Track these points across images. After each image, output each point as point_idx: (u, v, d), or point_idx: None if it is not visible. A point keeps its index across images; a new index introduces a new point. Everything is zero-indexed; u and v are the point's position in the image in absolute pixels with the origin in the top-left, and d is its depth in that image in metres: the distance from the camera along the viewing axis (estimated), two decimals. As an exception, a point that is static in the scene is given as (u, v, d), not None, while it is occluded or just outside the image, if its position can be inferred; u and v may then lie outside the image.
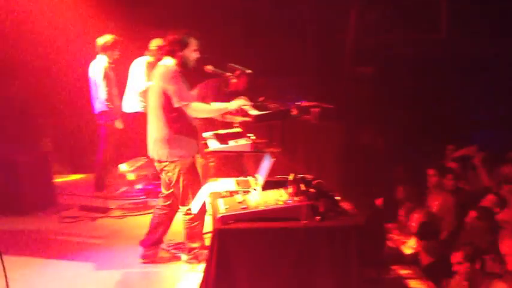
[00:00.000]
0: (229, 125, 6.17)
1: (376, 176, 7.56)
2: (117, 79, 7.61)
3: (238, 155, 5.79)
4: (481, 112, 8.86)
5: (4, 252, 5.64)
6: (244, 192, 4.41)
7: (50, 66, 8.64)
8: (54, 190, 7.46)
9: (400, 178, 7.23)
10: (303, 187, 4.16)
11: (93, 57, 7.45)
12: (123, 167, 7.43)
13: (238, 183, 4.72)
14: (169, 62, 5.13)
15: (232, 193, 4.43)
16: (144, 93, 7.11)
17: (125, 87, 7.83)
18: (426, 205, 6.49)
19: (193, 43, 5.11)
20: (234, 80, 6.55)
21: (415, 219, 5.94)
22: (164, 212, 5.44)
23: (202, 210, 5.09)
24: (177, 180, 5.15)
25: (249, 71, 6.18)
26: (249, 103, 5.36)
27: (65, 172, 8.13)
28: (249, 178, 4.83)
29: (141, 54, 7.78)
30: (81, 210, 7.09)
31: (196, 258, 5.31)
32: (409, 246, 5.93)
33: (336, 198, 4.62)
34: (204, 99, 5.93)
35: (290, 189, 4.17)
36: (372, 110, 8.89)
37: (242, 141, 5.37)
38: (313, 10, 9.35)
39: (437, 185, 6.57)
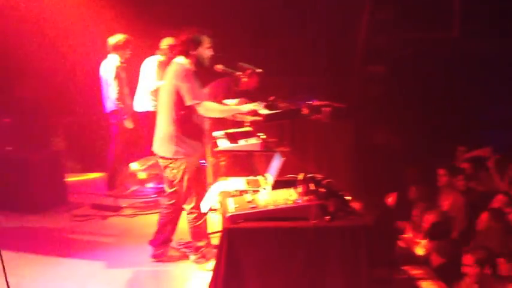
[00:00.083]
0: (240, 124, 6.18)
1: (388, 175, 7.53)
2: (129, 78, 7.64)
3: (248, 154, 5.78)
4: (493, 112, 8.79)
5: (15, 250, 5.77)
6: (254, 191, 4.40)
7: (62, 66, 8.67)
8: (65, 189, 7.50)
9: (413, 178, 7.20)
10: (312, 186, 4.14)
11: (105, 56, 7.48)
12: (134, 166, 7.46)
13: (248, 183, 4.71)
14: (182, 60, 5.14)
15: (241, 192, 4.42)
16: (155, 93, 7.12)
17: (136, 87, 7.86)
18: (438, 205, 6.46)
19: (206, 41, 5.11)
20: (245, 79, 6.55)
21: (427, 220, 5.91)
22: (169, 211, 5.46)
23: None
24: (182, 178, 5.15)
25: (260, 70, 6.17)
26: (260, 106, 5.36)
27: (77, 171, 8.16)
28: (259, 177, 4.82)
29: (153, 54, 7.80)
30: (93, 209, 7.12)
31: (204, 257, 5.33)
32: (422, 246, 5.91)
33: (346, 198, 4.62)
34: (214, 98, 5.94)
35: (300, 189, 4.16)
36: (383, 109, 8.86)
37: (252, 141, 5.38)
38: (324, 9, 9.32)
39: (448, 185, 6.54)
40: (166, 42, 7.55)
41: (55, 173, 7.37)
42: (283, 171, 4.57)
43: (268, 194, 4.24)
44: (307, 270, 3.89)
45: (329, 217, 3.95)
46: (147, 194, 7.48)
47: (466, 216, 6.09)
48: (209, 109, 5.12)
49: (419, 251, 5.85)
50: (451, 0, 9.34)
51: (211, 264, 4.56)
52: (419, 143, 8.48)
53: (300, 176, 4.24)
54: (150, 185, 7.48)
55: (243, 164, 6.31)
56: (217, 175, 6.34)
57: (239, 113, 5.55)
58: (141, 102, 7.75)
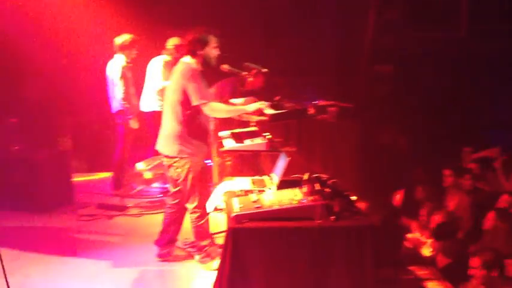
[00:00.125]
0: (246, 124, 6.17)
1: (394, 176, 7.51)
2: (136, 78, 7.65)
3: (254, 154, 5.79)
4: (501, 112, 8.75)
5: (22, 249, 5.79)
6: (259, 191, 4.40)
7: (69, 66, 8.71)
8: (71, 188, 7.52)
9: (420, 178, 7.18)
10: (317, 186, 4.14)
11: (111, 56, 7.49)
12: (140, 166, 7.46)
13: (253, 182, 4.71)
14: (189, 60, 5.14)
15: (247, 192, 4.42)
16: (161, 92, 7.13)
17: (142, 87, 7.87)
18: (444, 205, 6.44)
19: (213, 41, 5.11)
20: (251, 79, 6.55)
21: (433, 220, 5.89)
22: (173, 210, 5.46)
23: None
24: (186, 177, 5.14)
25: (265, 70, 6.16)
26: (265, 105, 5.36)
27: (83, 170, 8.18)
28: (265, 177, 4.82)
29: (159, 54, 7.82)
30: (99, 209, 7.13)
31: (208, 256, 5.33)
32: (428, 246, 5.88)
33: (352, 197, 4.60)
34: (220, 98, 5.94)
35: (305, 189, 4.15)
36: (389, 109, 8.83)
37: (258, 141, 5.37)
38: (331, 9, 9.30)
39: (454, 185, 6.52)
40: (172, 42, 7.56)
41: (61, 172, 7.40)
42: (288, 171, 4.57)
43: (274, 194, 4.23)
44: (312, 270, 3.89)
45: (334, 217, 3.94)
46: (152, 193, 7.49)
47: (471, 217, 6.06)
48: (215, 109, 5.12)
49: (426, 251, 5.83)
50: (458, 0, 9.31)
51: (216, 263, 4.56)
52: (426, 143, 8.45)
53: (305, 176, 4.23)
54: (156, 184, 7.48)
55: (249, 164, 6.31)
56: (223, 175, 6.34)
57: (245, 113, 5.55)
58: (148, 102, 7.76)
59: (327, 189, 4.15)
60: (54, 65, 8.68)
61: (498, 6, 8.57)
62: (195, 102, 4.98)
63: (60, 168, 7.40)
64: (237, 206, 4.05)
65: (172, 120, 5.12)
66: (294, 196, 4.12)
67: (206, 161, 5.46)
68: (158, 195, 7.37)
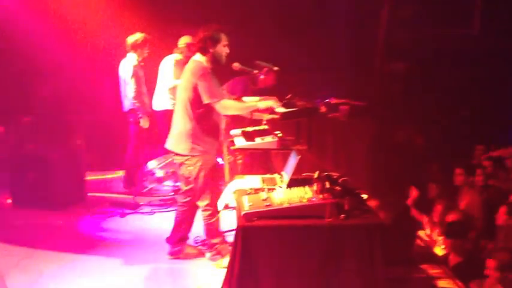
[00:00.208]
0: (258, 122, 6.17)
1: (407, 174, 7.47)
2: (148, 77, 7.68)
3: (265, 152, 5.79)
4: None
5: (35, 246, 5.85)
6: (269, 189, 4.39)
7: (82, 65, 8.75)
8: (84, 186, 7.57)
9: (434, 176, 7.15)
10: (328, 185, 4.13)
11: (124, 55, 7.53)
12: (152, 164, 7.50)
13: (263, 181, 4.70)
14: (200, 58, 5.16)
15: (257, 190, 4.41)
16: (173, 91, 7.16)
17: (155, 86, 7.91)
18: (457, 203, 6.42)
19: (223, 38, 5.12)
20: (262, 77, 6.55)
21: (446, 218, 5.86)
22: (184, 208, 5.47)
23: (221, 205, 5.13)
24: (197, 175, 5.16)
25: (276, 68, 6.16)
26: (279, 103, 5.36)
27: (96, 169, 8.22)
28: (275, 175, 4.82)
29: (171, 52, 7.84)
30: (111, 206, 7.17)
31: (219, 254, 5.34)
32: (440, 245, 5.86)
33: (362, 196, 4.59)
34: (231, 97, 5.94)
35: (315, 187, 4.14)
36: (403, 106, 8.80)
37: (268, 139, 5.38)
38: (345, 6, 9.28)
39: (465, 184, 6.49)
40: (184, 40, 7.59)
41: (74, 170, 7.44)
42: (299, 169, 4.56)
43: (284, 192, 4.23)
44: (322, 269, 3.88)
45: (344, 215, 3.94)
46: (164, 191, 7.52)
47: (483, 214, 6.02)
48: (227, 107, 5.13)
49: (438, 251, 5.80)
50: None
51: (227, 261, 4.57)
52: (440, 140, 8.41)
53: (316, 174, 4.22)
54: (168, 182, 7.50)
55: (260, 162, 6.31)
56: (234, 173, 6.35)
57: (256, 111, 5.55)
58: (160, 101, 7.79)
59: (337, 188, 4.14)
60: (68, 64, 8.73)
61: (511, 3, 8.49)
62: (206, 100, 4.99)
63: (73, 166, 7.43)
64: (247, 204, 4.05)
65: (184, 118, 5.14)
66: (304, 194, 4.11)
67: (217, 159, 5.48)
68: (170, 193, 7.40)
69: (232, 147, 5.58)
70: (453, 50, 9.00)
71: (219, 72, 5.26)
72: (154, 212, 7.00)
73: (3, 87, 8.75)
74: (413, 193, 6.51)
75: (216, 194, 5.20)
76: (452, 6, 9.19)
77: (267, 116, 5.90)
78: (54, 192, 7.10)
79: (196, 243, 5.80)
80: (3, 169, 7.51)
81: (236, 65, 5.70)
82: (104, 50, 8.50)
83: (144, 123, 7.42)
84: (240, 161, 6.65)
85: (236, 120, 6.23)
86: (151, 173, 7.50)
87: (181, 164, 5.22)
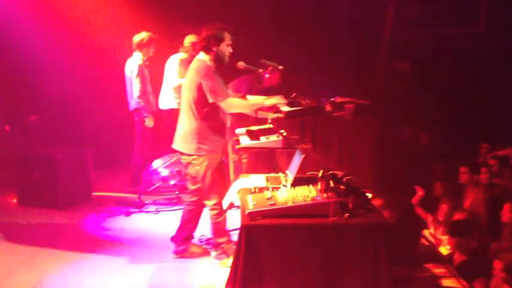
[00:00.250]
0: (263, 121, 6.17)
1: (413, 173, 7.46)
2: (154, 76, 7.70)
3: (269, 151, 5.79)
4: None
5: (41, 245, 5.87)
6: (274, 188, 4.40)
7: (88, 64, 8.79)
8: (90, 185, 7.59)
9: (439, 174, 7.13)
10: (332, 184, 4.13)
11: (130, 54, 7.55)
12: (158, 163, 7.51)
13: (268, 180, 4.71)
14: (204, 57, 5.16)
15: (261, 189, 4.41)
16: (178, 90, 7.17)
17: (161, 85, 7.92)
18: (462, 202, 6.41)
19: (227, 38, 5.13)
20: (267, 76, 6.55)
21: (450, 217, 5.86)
22: (191, 208, 5.48)
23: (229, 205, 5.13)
24: (204, 175, 5.17)
25: (281, 67, 6.16)
26: (284, 102, 5.35)
27: (102, 168, 8.24)
28: (280, 174, 4.82)
29: (177, 51, 7.86)
30: (116, 205, 7.19)
31: (225, 253, 5.35)
32: (445, 244, 5.85)
33: (367, 195, 4.59)
34: (236, 96, 5.95)
35: (319, 186, 4.14)
36: (407, 105, 8.77)
37: (273, 138, 5.37)
38: (349, 5, 9.26)
39: (470, 182, 6.47)
40: (189, 39, 7.60)
41: (80, 170, 7.46)
42: (304, 168, 4.56)
43: (288, 191, 4.23)
44: (326, 267, 3.88)
45: (348, 214, 3.93)
46: (169, 190, 7.52)
47: (487, 213, 6.01)
48: (233, 105, 5.14)
49: (443, 250, 5.79)
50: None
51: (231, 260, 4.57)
52: (445, 139, 8.39)
53: (320, 173, 4.22)
54: (173, 181, 7.51)
55: (265, 161, 6.32)
56: (239, 172, 6.36)
57: (261, 109, 5.55)
58: (165, 100, 7.81)
59: (341, 187, 4.14)
60: (74, 63, 8.76)
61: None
62: (211, 99, 5.00)
63: (79, 165, 7.45)
64: (251, 203, 4.06)
65: (189, 117, 5.15)
66: (308, 193, 4.11)
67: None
68: (175, 192, 7.41)
69: (237, 146, 5.58)
70: (459, 50, 8.97)
71: (224, 71, 5.27)
72: (159, 211, 7.01)
73: (10, 87, 8.81)
74: (419, 192, 6.50)
75: (223, 193, 5.21)
76: (457, 6, 9.16)
77: (271, 115, 5.90)
78: (59, 191, 7.12)
79: (201, 242, 5.82)
80: (9, 168, 7.56)
81: (241, 64, 5.71)
82: (110, 49, 8.52)
83: (149, 122, 7.44)
84: (245, 160, 6.67)
85: (241, 119, 6.23)
86: (156, 172, 7.50)
87: (188, 163, 5.23)
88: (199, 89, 5.04)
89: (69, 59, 8.74)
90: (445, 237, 5.83)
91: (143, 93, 7.35)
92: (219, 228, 5.34)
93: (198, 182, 5.26)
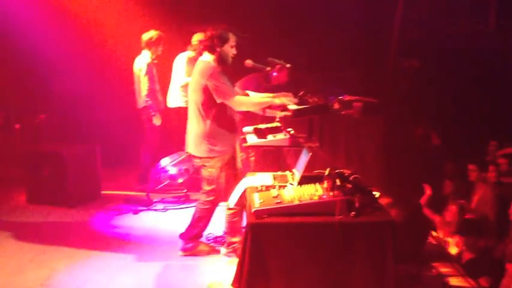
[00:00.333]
0: (270, 119, 6.17)
1: (422, 172, 7.44)
2: (162, 75, 7.72)
3: (277, 149, 5.78)
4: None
5: (49, 243, 5.91)
6: (280, 186, 4.39)
7: (97, 62, 8.82)
8: (99, 183, 7.63)
9: (450, 174, 7.11)
10: (338, 182, 4.12)
11: (139, 52, 7.57)
12: (166, 161, 7.53)
13: (275, 178, 4.70)
14: (208, 58, 5.17)
15: (268, 188, 4.41)
16: (185, 88, 7.19)
17: (169, 83, 7.94)
18: (471, 200, 6.38)
19: (232, 39, 5.13)
20: (275, 74, 6.54)
21: (456, 215, 5.84)
22: (206, 207, 5.48)
23: (243, 205, 5.11)
24: (219, 176, 5.19)
25: (289, 65, 6.15)
26: (293, 100, 5.35)
27: (110, 165, 8.27)
28: (287, 173, 4.81)
29: (185, 50, 7.87)
30: (125, 203, 7.23)
31: (234, 252, 5.35)
32: (453, 244, 5.83)
33: (374, 193, 4.58)
34: (244, 94, 5.94)
35: (326, 184, 4.14)
36: (417, 104, 8.73)
37: (280, 136, 5.36)
38: (358, 2, 9.23)
39: (478, 179, 6.45)
40: (196, 38, 7.61)
41: (89, 167, 7.50)
42: (311, 166, 4.55)
43: (294, 190, 4.22)
44: (332, 266, 3.87)
45: (354, 213, 3.92)
46: (177, 188, 7.54)
47: (495, 210, 5.98)
48: (241, 103, 5.15)
49: (452, 249, 5.77)
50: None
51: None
52: (455, 137, 8.34)
53: (327, 172, 4.21)
54: (181, 180, 7.53)
55: (273, 160, 6.30)
56: (246, 170, 6.35)
57: (269, 107, 5.55)
58: (173, 98, 7.83)
59: (348, 185, 4.13)
60: (83, 62, 8.80)
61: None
62: (219, 99, 5.01)
63: (88, 163, 7.50)
64: (258, 202, 4.05)
65: (198, 120, 5.16)
66: (314, 192, 4.11)
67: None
68: (183, 190, 7.43)
69: (244, 145, 5.59)
70: (468, 47, 8.92)
71: (231, 69, 5.27)
72: (167, 209, 7.04)
73: (20, 85, 8.85)
74: (427, 191, 6.49)
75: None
76: (467, 3, 9.10)
77: (279, 113, 5.90)
78: (68, 189, 7.16)
79: (208, 240, 5.83)
80: (19, 166, 7.60)
81: (249, 62, 5.71)
82: (119, 47, 8.55)
83: (157, 120, 7.46)
84: (252, 158, 6.66)
85: (249, 118, 6.23)
86: (165, 170, 7.52)
87: (201, 166, 5.26)
88: (205, 91, 5.04)
89: (78, 58, 8.78)
90: (452, 240, 5.79)
91: (151, 92, 7.37)
92: (234, 227, 5.34)
93: (213, 183, 5.28)
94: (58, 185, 7.14)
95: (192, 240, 5.60)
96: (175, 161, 7.46)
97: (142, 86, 7.35)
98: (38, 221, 6.69)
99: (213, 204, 5.46)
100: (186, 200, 7.24)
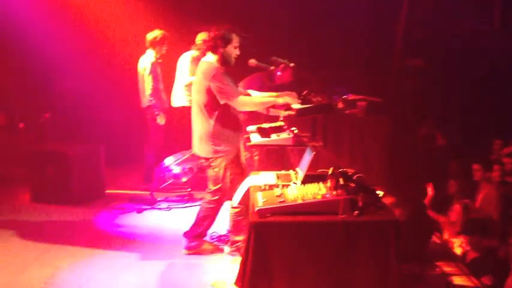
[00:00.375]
0: (274, 118, 6.17)
1: (426, 172, 7.42)
2: (166, 74, 7.73)
3: (281, 148, 5.78)
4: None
5: (53, 242, 5.92)
6: (284, 185, 4.39)
7: (101, 62, 8.83)
8: (103, 182, 7.64)
9: (454, 173, 7.09)
10: (342, 181, 4.11)
11: (143, 52, 7.58)
12: (170, 160, 7.54)
13: (278, 177, 4.70)
14: (211, 59, 5.17)
15: (271, 186, 4.40)
16: (189, 88, 7.18)
17: (173, 82, 7.95)
18: (475, 200, 6.37)
19: (235, 39, 5.12)
20: (279, 74, 6.54)
21: (460, 214, 5.83)
22: (211, 206, 5.49)
23: (247, 203, 5.11)
24: (224, 175, 5.20)
25: (293, 65, 6.14)
26: (297, 99, 5.34)
27: (114, 165, 8.28)
28: (290, 172, 4.81)
29: (189, 49, 7.88)
30: (129, 202, 7.24)
31: (238, 251, 5.34)
32: (459, 245, 5.82)
33: (378, 192, 4.56)
34: (248, 94, 5.94)
35: (329, 183, 4.13)
36: (421, 104, 8.72)
37: (284, 135, 5.37)
38: (362, 1, 9.22)
39: (483, 179, 6.43)
40: (200, 37, 7.62)
41: (93, 167, 7.52)
42: (315, 165, 4.54)
43: (298, 189, 4.21)
44: (335, 265, 3.85)
45: (357, 212, 3.91)
46: (181, 187, 7.55)
47: (499, 209, 5.97)
48: (244, 103, 5.14)
49: (458, 250, 5.76)
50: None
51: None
52: (460, 137, 8.33)
53: (330, 171, 4.20)
54: (185, 179, 7.54)
55: (277, 159, 6.30)
56: (251, 169, 6.35)
57: (273, 106, 5.54)
58: (177, 98, 7.84)
59: (351, 184, 4.12)
60: (87, 61, 8.81)
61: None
62: (222, 100, 5.01)
63: (92, 162, 7.52)
64: (261, 201, 4.04)
65: (202, 121, 5.17)
66: (318, 191, 4.09)
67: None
68: (187, 189, 7.44)
69: (247, 144, 5.59)
70: (473, 47, 8.90)
71: (235, 69, 5.27)
72: (171, 208, 7.05)
73: (24, 84, 8.87)
74: (429, 192, 6.48)
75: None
76: (472, 2, 9.08)
77: (283, 113, 5.89)
78: (72, 188, 7.20)
79: (212, 239, 5.84)
80: (23, 165, 7.62)
81: (252, 61, 5.71)
82: (123, 46, 8.57)
83: (161, 120, 7.47)
84: (256, 158, 6.66)
85: (252, 117, 6.23)
86: (168, 169, 7.53)
87: (207, 166, 5.27)
88: (208, 92, 5.05)
89: (82, 57, 8.80)
90: (457, 240, 5.78)
91: (155, 91, 7.37)
92: (239, 226, 5.33)
93: (218, 183, 5.29)
94: (62, 184, 7.17)
95: (196, 238, 5.61)
96: (179, 160, 7.47)
97: (147, 85, 7.36)
98: (41, 220, 6.70)
99: (219, 204, 5.47)
100: (189, 199, 7.26)
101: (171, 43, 7.69)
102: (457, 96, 8.70)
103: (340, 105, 6.62)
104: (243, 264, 3.91)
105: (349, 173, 4.35)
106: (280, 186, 4.36)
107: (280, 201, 3.99)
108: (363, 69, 9.01)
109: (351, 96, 7.14)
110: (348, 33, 9.10)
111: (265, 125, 5.77)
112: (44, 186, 7.23)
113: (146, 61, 7.43)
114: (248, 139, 5.61)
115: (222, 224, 5.81)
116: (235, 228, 5.36)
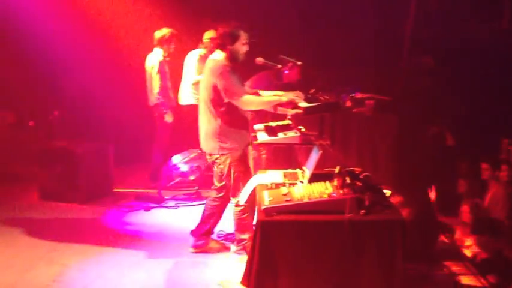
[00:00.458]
0: (281, 117, 6.16)
1: (435, 171, 7.39)
2: (174, 72, 7.74)
3: (288, 147, 5.77)
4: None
5: (61, 240, 5.95)
6: (290, 184, 4.39)
7: (110, 60, 8.85)
8: (111, 180, 7.67)
9: (464, 173, 7.05)
10: (348, 180, 4.10)
11: (151, 50, 7.59)
12: (177, 158, 7.55)
13: (285, 176, 4.70)
14: (218, 56, 5.17)
15: (278, 185, 4.40)
16: (196, 86, 7.20)
17: (180, 80, 7.96)
18: (484, 199, 6.34)
19: (243, 36, 5.12)
20: (286, 72, 6.52)
21: (468, 214, 5.80)
22: (216, 203, 5.51)
23: (253, 202, 5.11)
24: (228, 172, 5.21)
25: (300, 63, 6.13)
26: (302, 97, 5.33)
27: (122, 163, 8.30)
28: (297, 170, 4.80)
29: (197, 47, 7.89)
30: (137, 200, 7.26)
31: (245, 250, 5.35)
32: (469, 246, 5.78)
33: (385, 192, 4.55)
34: (255, 92, 5.94)
35: (335, 182, 4.12)
36: (430, 103, 8.67)
37: (291, 134, 5.38)
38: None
39: (491, 178, 6.39)
40: (208, 35, 7.62)
41: (101, 164, 7.55)
42: (322, 164, 4.54)
43: (304, 187, 4.21)
44: (341, 264, 3.85)
45: (364, 211, 3.90)
46: (189, 186, 7.56)
47: (507, 210, 5.92)
48: (249, 103, 5.13)
49: (468, 252, 5.72)
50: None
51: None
52: (469, 136, 8.28)
53: (337, 170, 4.20)
54: (192, 177, 7.55)
55: (284, 157, 6.29)
56: (258, 168, 6.35)
57: (280, 105, 5.54)
58: (185, 96, 7.85)
59: (358, 183, 4.11)
60: (96, 59, 8.84)
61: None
62: (226, 98, 5.02)
63: (100, 160, 7.54)
64: (267, 199, 4.05)
65: (208, 118, 5.17)
66: (324, 189, 4.09)
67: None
68: (194, 188, 7.45)
69: (254, 142, 5.59)
70: (482, 45, 8.84)
71: (242, 67, 5.27)
72: (179, 206, 7.06)
73: (33, 83, 8.90)
74: (433, 196, 6.46)
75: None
76: (480, 1, 9.02)
77: (291, 111, 5.88)
78: (80, 186, 7.22)
79: (219, 237, 5.84)
80: (32, 163, 7.65)
81: (260, 60, 5.69)
82: (131, 45, 8.59)
83: (169, 118, 7.48)
84: (264, 156, 6.66)
85: (260, 115, 6.23)
86: (176, 167, 7.54)
87: (213, 162, 5.28)
88: (215, 89, 5.05)
89: (91, 55, 8.82)
90: (469, 240, 5.75)
91: (163, 89, 7.39)
92: (244, 224, 5.33)
93: (223, 180, 5.30)
94: (70, 182, 7.20)
95: (203, 237, 5.62)
96: (186, 158, 7.48)
97: (155, 83, 7.38)
98: (50, 218, 6.73)
99: (223, 201, 5.48)
100: (197, 197, 7.27)
101: (179, 41, 7.70)
102: (466, 96, 8.65)
103: (348, 103, 6.60)
104: (249, 263, 3.92)
105: (356, 172, 4.35)
106: (287, 184, 4.36)
107: (287, 200, 4.00)
108: (371, 67, 8.98)
109: (359, 95, 7.11)
110: (356, 32, 9.06)
111: (273, 124, 5.77)
112: (52, 184, 7.26)
113: (154, 59, 7.45)
114: (255, 138, 5.60)
115: (229, 222, 5.81)
116: (240, 226, 5.37)
